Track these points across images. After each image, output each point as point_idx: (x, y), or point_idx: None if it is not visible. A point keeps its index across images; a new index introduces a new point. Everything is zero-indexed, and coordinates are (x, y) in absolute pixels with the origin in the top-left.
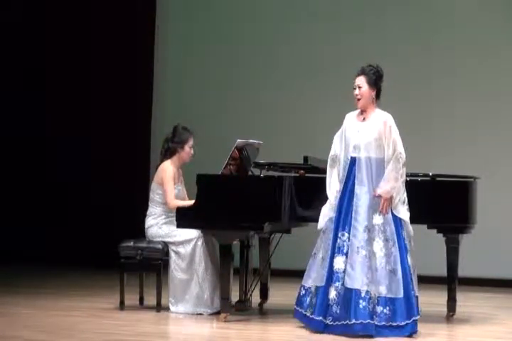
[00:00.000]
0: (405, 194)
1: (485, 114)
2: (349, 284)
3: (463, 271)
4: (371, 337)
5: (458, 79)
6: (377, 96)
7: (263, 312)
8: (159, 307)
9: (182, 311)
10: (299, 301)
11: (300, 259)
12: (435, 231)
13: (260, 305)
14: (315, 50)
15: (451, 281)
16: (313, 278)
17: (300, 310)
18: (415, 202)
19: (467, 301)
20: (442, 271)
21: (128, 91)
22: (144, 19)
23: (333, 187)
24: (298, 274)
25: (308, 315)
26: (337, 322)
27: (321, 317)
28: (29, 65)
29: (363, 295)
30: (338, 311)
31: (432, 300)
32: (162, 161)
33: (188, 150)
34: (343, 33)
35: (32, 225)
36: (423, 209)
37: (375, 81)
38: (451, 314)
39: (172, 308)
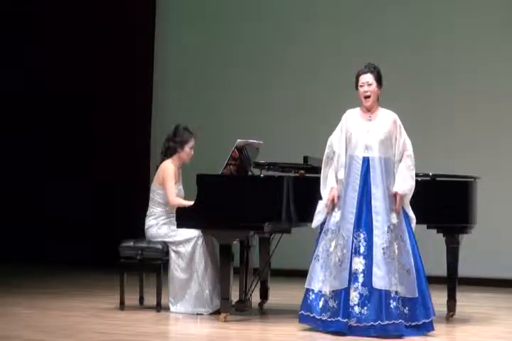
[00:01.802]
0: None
1: (485, 114)
2: (377, 285)
3: (463, 271)
4: (401, 336)
5: (458, 79)
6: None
7: (263, 312)
8: (159, 307)
9: (182, 311)
10: (308, 306)
11: (300, 259)
12: (435, 231)
13: (260, 305)
14: (315, 49)
15: (451, 281)
16: (326, 281)
17: (311, 314)
18: (415, 202)
19: (467, 301)
20: (442, 271)
21: (128, 92)
22: (144, 19)
23: (329, 184)
24: (298, 274)
25: (325, 318)
26: (364, 323)
27: (346, 320)
28: (29, 65)
29: (392, 295)
30: (365, 312)
31: (432, 300)
32: (162, 160)
33: (187, 150)
34: (343, 33)
35: (32, 225)
36: (423, 209)
37: (381, 79)
38: (451, 314)
39: (172, 308)
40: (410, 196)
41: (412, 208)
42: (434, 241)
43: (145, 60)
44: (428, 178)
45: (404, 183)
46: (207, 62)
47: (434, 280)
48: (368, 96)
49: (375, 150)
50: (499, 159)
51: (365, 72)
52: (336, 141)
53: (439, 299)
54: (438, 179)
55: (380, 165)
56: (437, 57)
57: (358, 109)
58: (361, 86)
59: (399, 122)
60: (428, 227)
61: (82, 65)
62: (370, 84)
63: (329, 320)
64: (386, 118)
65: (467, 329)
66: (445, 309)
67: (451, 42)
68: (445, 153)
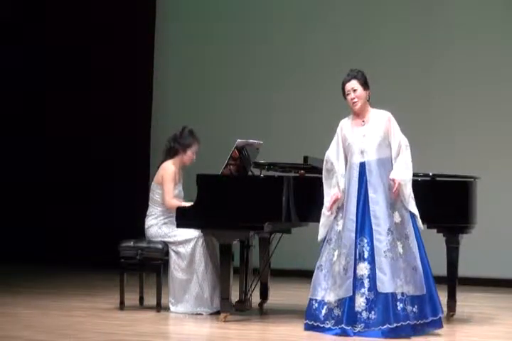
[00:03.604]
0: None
1: (485, 114)
2: (382, 289)
3: (463, 271)
4: (408, 337)
5: (458, 79)
6: (368, 97)
7: (263, 312)
8: (159, 307)
9: (182, 311)
10: (312, 315)
11: (300, 259)
12: (435, 231)
13: (260, 305)
14: (315, 49)
15: (452, 281)
16: (330, 290)
17: (315, 323)
18: (415, 202)
19: (467, 301)
20: (442, 271)
21: (128, 91)
22: (144, 19)
23: (333, 191)
24: (298, 274)
25: (328, 326)
26: (373, 328)
27: (350, 327)
28: (29, 65)
29: (399, 297)
30: (373, 317)
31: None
32: (164, 160)
33: (190, 154)
34: (343, 33)
35: (32, 225)
36: (423, 209)
37: (366, 81)
38: (451, 314)
39: (172, 308)
40: (410, 189)
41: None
42: (434, 241)
43: (145, 60)
44: (428, 178)
45: (402, 172)
46: (207, 62)
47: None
48: (356, 102)
49: (371, 153)
50: (499, 159)
51: (349, 80)
52: (333, 154)
53: None
54: (438, 179)
55: (376, 167)
56: (437, 58)
57: (350, 117)
58: (347, 94)
59: (392, 119)
60: (428, 227)
61: (82, 65)
62: (355, 90)
63: (333, 327)
64: (379, 119)
65: (467, 329)
66: (445, 309)
67: (451, 43)
68: (445, 153)
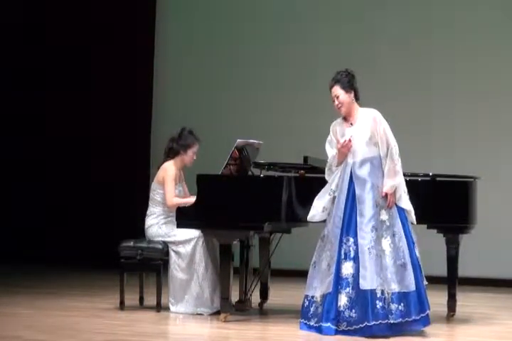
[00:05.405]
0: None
1: (485, 114)
2: (363, 285)
3: (463, 271)
4: (386, 337)
5: (458, 79)
6: (356, 96)
7: (263, 312)
8: (159, 307)
9: (182, 311)
10: (304, 313)
11: (300, 259)
12: (435, 231)
13: (260, 305)
14: (315, 49)
15: (451, 281)
16: (318, 287)
17: (304, 321)
18: (415, 202)
19: (467, 301)
20: (442, 271)
21: (128, 92)
22: (144, 19)
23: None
24: (298, 274)
25: (312, 324)
26: (354, 326)
27: (329, 324)
28: (30, 65)
29: (378, 295)
30: (353, 315)
31: (432, 300)
32: (165, 161)
33: (190, 154)
34: (343, 33)
35: (32, 225)
36: (423, 209)
37: (349, 82)
38: (451, 314)
39: (172, 308)
40: (401, 188)
41: (413, 208)
42: (434, 241)
43: (145, 59)
44: (428, 178)
45: (390, 181)
46: (207, 62)
47: (434, 280)
48: (340, 108)
49: (359, 153)
50: (499, 159)
51: (332, 85)
52: (330, 155)
53: (439, 299)
54: (438, 179)
55: (361, 167)
56: (437, 57)
57: (340, 118)
58: (332, 100)
59: (379, 118)
60: (428, 227)
61: (82, 65)
62: (337, 97)
63: (315, 325)
64: (366, 119)
65: (467, 329)
66: (445, 309)
67: (451, 42)
68: (445, 153)
